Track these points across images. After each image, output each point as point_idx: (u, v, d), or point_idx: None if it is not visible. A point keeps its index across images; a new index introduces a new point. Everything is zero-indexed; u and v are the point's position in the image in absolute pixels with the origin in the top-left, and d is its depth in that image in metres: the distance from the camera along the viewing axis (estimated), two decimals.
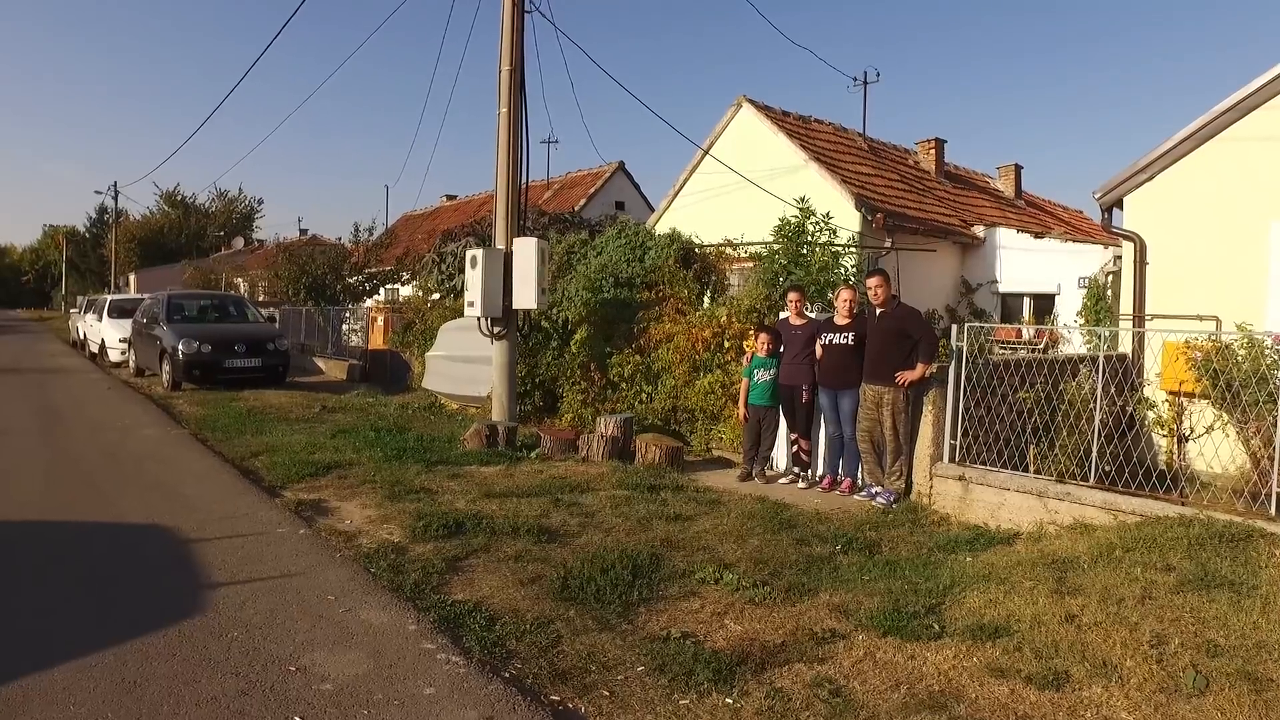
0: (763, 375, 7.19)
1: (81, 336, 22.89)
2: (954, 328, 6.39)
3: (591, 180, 21.68)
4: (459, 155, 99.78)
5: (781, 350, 7.18)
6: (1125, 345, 9.07)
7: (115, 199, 45.43)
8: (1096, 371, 6.23)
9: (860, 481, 6.87)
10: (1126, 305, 9.50)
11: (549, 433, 8.11)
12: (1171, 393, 7.97)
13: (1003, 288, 14.37)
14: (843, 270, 9.18)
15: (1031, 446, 6.38)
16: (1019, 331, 13.90)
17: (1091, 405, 6.14)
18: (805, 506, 6.27)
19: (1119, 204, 9.52)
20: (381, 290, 21.86)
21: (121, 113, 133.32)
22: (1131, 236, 9.23)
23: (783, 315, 7.41)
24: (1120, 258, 12.88)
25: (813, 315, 7.36)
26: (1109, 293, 12.99)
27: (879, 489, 6.56)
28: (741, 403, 7.31)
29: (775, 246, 9.18)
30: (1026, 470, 6.23)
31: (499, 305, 8.91)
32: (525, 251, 8.80)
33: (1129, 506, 5.23)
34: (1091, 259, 13.23)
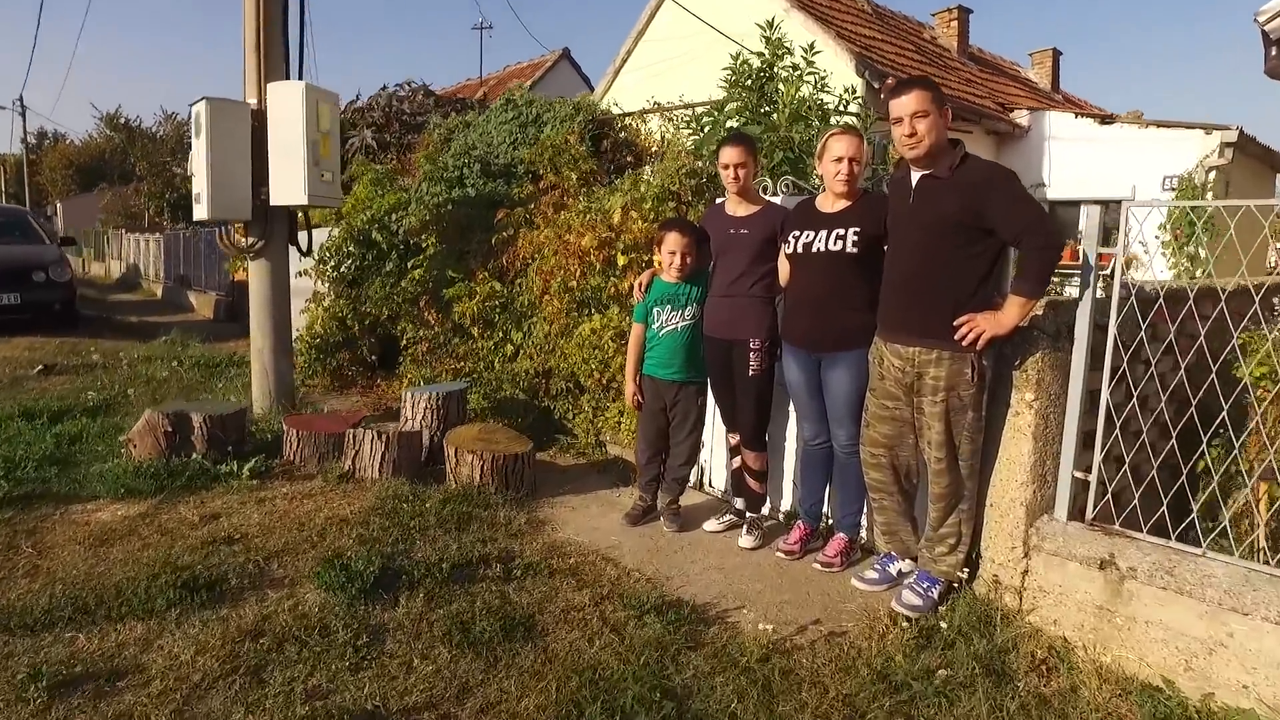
0: (670, 319, 3.57)
1: None
2: (1087, 213, 2.77)
3: (530, 72, 17.54)
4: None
5: (711, 269, 3.55)
6: None
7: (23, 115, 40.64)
8: None
9: (867, 542, 3.38)
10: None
11: (300, 424, 4.51)
12: None
13: (1053, 193, 10.66)
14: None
15: (1263, 492, 2.83)
16: (1074, 252, 10.26)
17: None
18: (740, 621, 2.77)
19: None
20: None
21: None
22: None
23: (718, 202, 3.71)
24: (1232, 146, 9.17)
25: (774, 199, 3.70)
26: (1209, 195, 9.31)
27: (908, 568, 3.06)
28: (630, 371, 3.71)
29: (727, 100, 5.42)
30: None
31: (246, 199, 5.18)
32: (288, 103, 5.04)
33: None
34: (1183, 151, 9.50)
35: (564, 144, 5.80)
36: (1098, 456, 2.73)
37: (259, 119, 5.15)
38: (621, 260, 4.40)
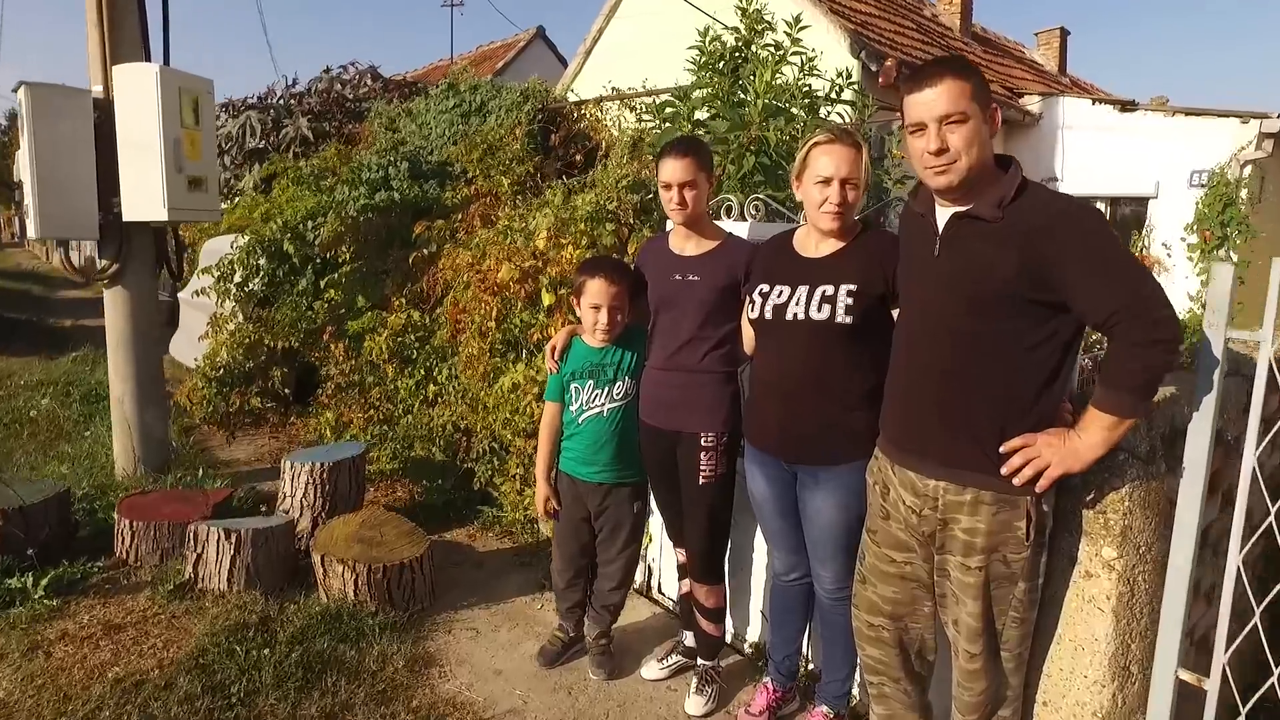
0: (593, 399, 2.58)
1: None
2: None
3: (503, 53, 16.35)
4: None
5: (651, 328, 2.56)
6: None
7: None
8: None
9: (859, 702, 2.44)
10: None
11: (138, 511, 3.51)
12: None
13: (1065, 187, 9.65)
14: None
15: None
16: None
17: None
18: None
19: None
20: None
21: None
22: None
23: (661, 234, 2.68)
24: (1274, 137, 8.19)
25: (739, 225, 2.71)
26: (1244, 194, 8.34)
27: None
28: (541, 467, 2.72)
29: (694, 85, 4.40)
30: None
31: (90, 213, 4.14)
32: (139, 91, 4.01)
33: None
34: (1214, 142, 8.52)
35: (498, 141, 4.78)
36: (1222, 654, 1.78)
37: (105, 111, 4.11)
38: (548, 299, 3.40)
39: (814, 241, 2.19)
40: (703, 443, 2.40)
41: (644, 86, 6.14)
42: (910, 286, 1.92)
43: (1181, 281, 8.75)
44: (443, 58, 18.76)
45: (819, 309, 2.05)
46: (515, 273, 3.48)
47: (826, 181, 2.07)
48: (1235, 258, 8.42)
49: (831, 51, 7.61)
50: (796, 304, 2.10)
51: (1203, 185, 8.55)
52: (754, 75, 3.55)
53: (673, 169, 2.36)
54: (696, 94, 4.62)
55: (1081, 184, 9.55)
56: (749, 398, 2.34)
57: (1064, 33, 15.63)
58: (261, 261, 5.86)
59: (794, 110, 4.08)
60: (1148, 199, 9.08)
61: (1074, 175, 9.55)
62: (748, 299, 2.26)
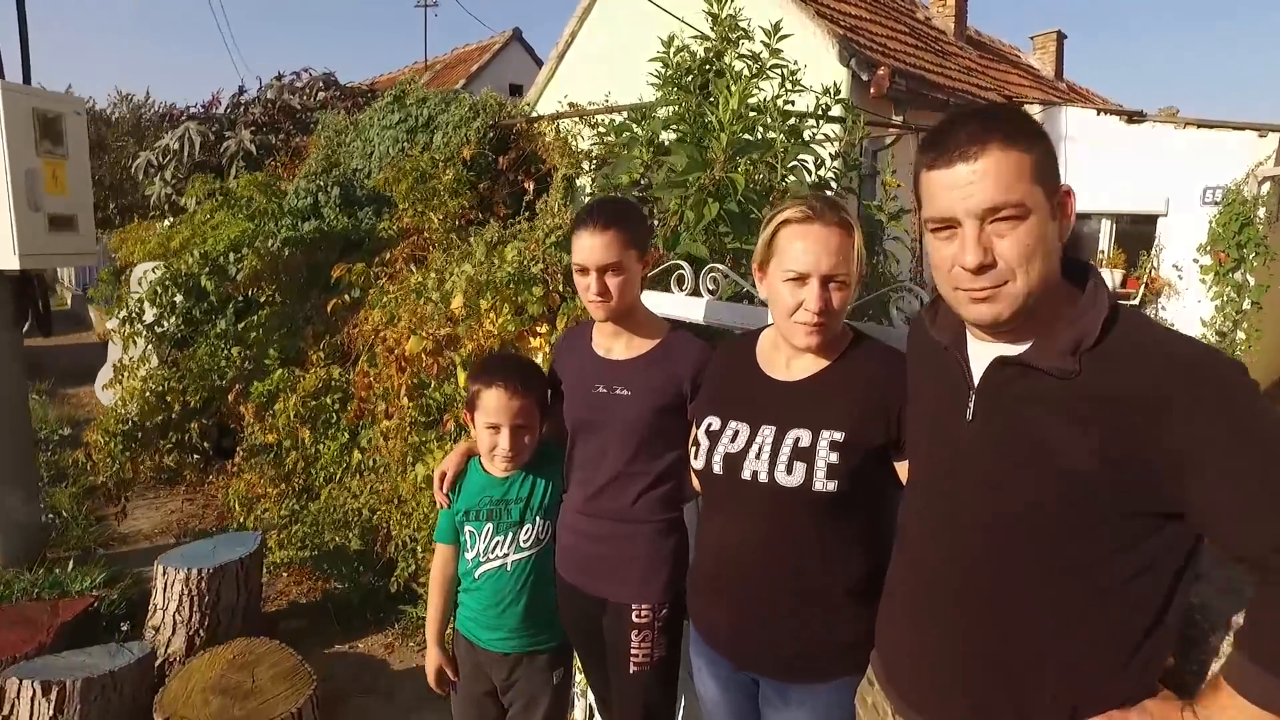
0: (494, 547, 1.93)
1: None
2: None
3: (478, 55, 15.64)
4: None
5: (569, 451, 1.91)
6: None
7: None
8: None
9: None
10: None
11: None
12: None
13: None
14: (808, 166, 3.67)
15: None
16: (1136, 280, 8.72)
17: None
18: None
19: None
20: None
21: None
22: None
23: (583, 325, 2.03)
24: None
25: (694, 303, 2.07)
26: (1262, 212, 7.76)
27: None
28: (432, 629, 2.06)
29: (657, 101, 3.75)
30: None
31: None
32: None
33: None
34: (1229, 156, 7.93)
35: (430, 168, 4.13)
36: None
37: None
38: (463, 379, 2.75)
39: (785, 357, 1.55)
40: (634, 618, 1.76)
41: (606, 100, 5.48)
42: (926, 457, 1.28)
43: (1194, 305, 8.16)
44: (417, 60, 18.05)
45: (788, 468, 1.41)
46: (427, 343, 2.82)
47: (801, 279, 1.43)
48: (1252, 281, 7.85)
49: (818, 58, 7.01)
50: (757, 456, 1.45)
51: (1216, 203, 7.96)
52: (722, 98, 2.88)
53: (590, 248, 1.71)
54: (662, 112, 3.99)
55: (1086, 201, 8.95)
56: (694, 565, 1.69)
57: (1060, 36, 15.09)
58: (178, 298, 5.19)
59: (771, 134, 3.44)
60: (1157, 216, 8.48)
61: (1078, 191, 8.87)
62: (692, 435, 1.63)
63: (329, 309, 4.07)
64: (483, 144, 5.31)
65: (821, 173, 3.88)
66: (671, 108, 4.00)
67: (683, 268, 2.25)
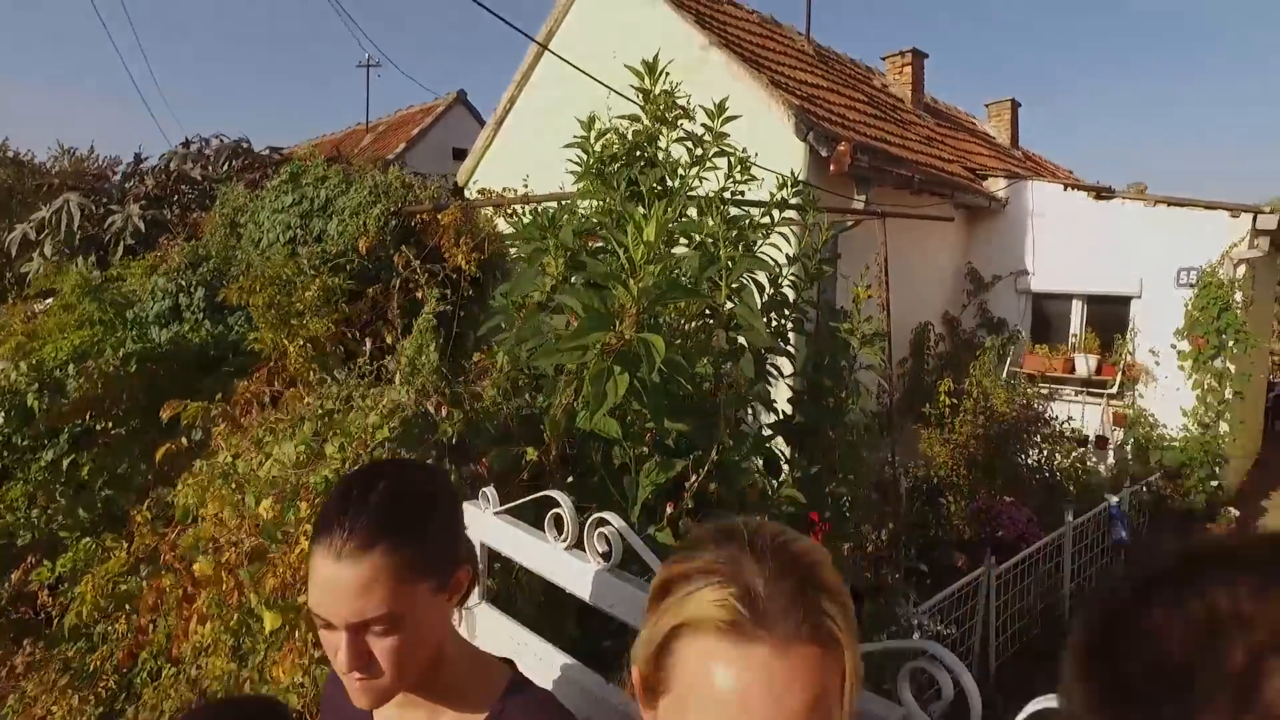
0: None
1: None
2: None
3: (421, 117, 14.99)
4: None
5: None
6: None
7: None
8: None
9: None
10: None
11: None
12: None
13: (1037, 283, 8.57)
14: (759, 281, 2.90)
15: None
16: (1069, 362, 8.20)
17: None
18: None
19: None
20: None
21: None
22: None
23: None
24: (1269, 234, 7.22)
25: (585, 563, 1.28)
26: (1239, 296, 7.33)
27: None
28: None
29: (579, 193, 3.01)
30: None
31: None
32: None
33: None
34: (1202, 236, 7.53)
35: (294, 275, 3.32)
36: None
37: None
38: (270, 620, 1.88)
39: None
40: None
41: (525, 185, 4.74)
42: None
43: (1173, 394, 7.65)
44: (360, 122, 17.37)
45: None
46: (224, 562, 1.96)
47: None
48: (1233, 369, 7.38)
49: (772, 134, 6.42)
50: None
51: (1192, 285, 7.53)
52: (632, 225, 2.11)
53: (333, 588, 0.90)
54: (584, 205, 3.28)
55: (1057, 280, 8.50)
56: None
57: (1015, 105, 15.05)
58: None
59: (712, 242, 2.71)
60: (1130, 298, 8.02)
61: (1047, 270, 8.49)
62: None
63: (157, 457, 3.18)
64: (383, 234, 4.53)
65: (776, 286, 3.19)
66: (593, 201, 3.29)
67: (559, 505, 1.45)
